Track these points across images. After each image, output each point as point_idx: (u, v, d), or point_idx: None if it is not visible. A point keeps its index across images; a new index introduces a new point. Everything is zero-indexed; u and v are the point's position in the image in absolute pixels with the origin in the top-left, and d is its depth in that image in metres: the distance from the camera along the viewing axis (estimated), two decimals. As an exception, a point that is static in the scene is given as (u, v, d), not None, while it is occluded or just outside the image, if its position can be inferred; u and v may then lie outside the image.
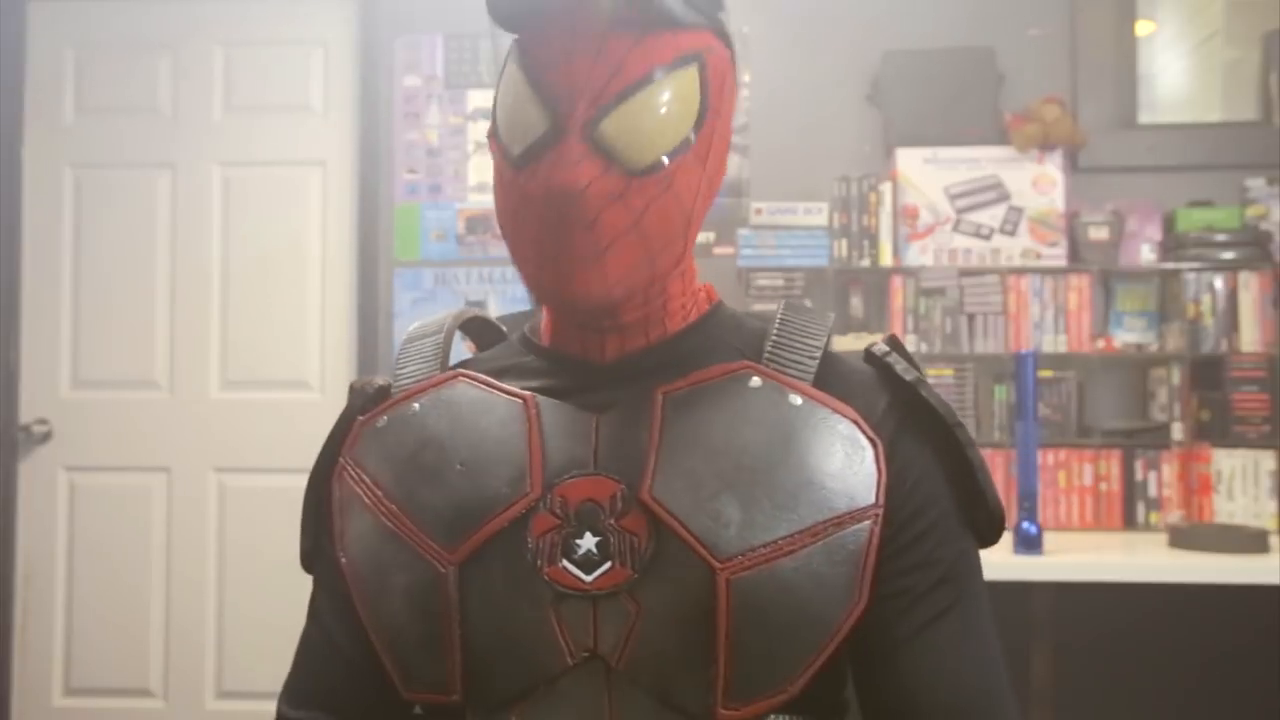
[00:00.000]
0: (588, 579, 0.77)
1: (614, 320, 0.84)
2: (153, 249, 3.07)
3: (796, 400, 0.81)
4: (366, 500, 0.84)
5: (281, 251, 3.05)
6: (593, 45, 0.79)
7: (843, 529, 0.78)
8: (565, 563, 0.78)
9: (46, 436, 3.06)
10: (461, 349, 1.00)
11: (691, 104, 0.81)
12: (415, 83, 3.02)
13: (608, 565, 0.78)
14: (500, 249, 2.96)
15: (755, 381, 0.82)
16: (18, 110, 3.07)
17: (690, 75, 0.81)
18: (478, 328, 0.99)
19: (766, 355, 0.84)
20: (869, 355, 0.88)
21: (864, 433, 0.81)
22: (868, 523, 0.78)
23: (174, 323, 3.05)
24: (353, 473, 0.86)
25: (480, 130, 2.99)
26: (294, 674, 0.92)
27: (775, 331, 0.86)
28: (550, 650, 0.78)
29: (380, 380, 0.91)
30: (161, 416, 3.05)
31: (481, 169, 2.99)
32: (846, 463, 0.79)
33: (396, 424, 0.86)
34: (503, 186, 0.83)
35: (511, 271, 2.93)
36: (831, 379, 0.84)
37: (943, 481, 0.84)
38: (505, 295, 2.95)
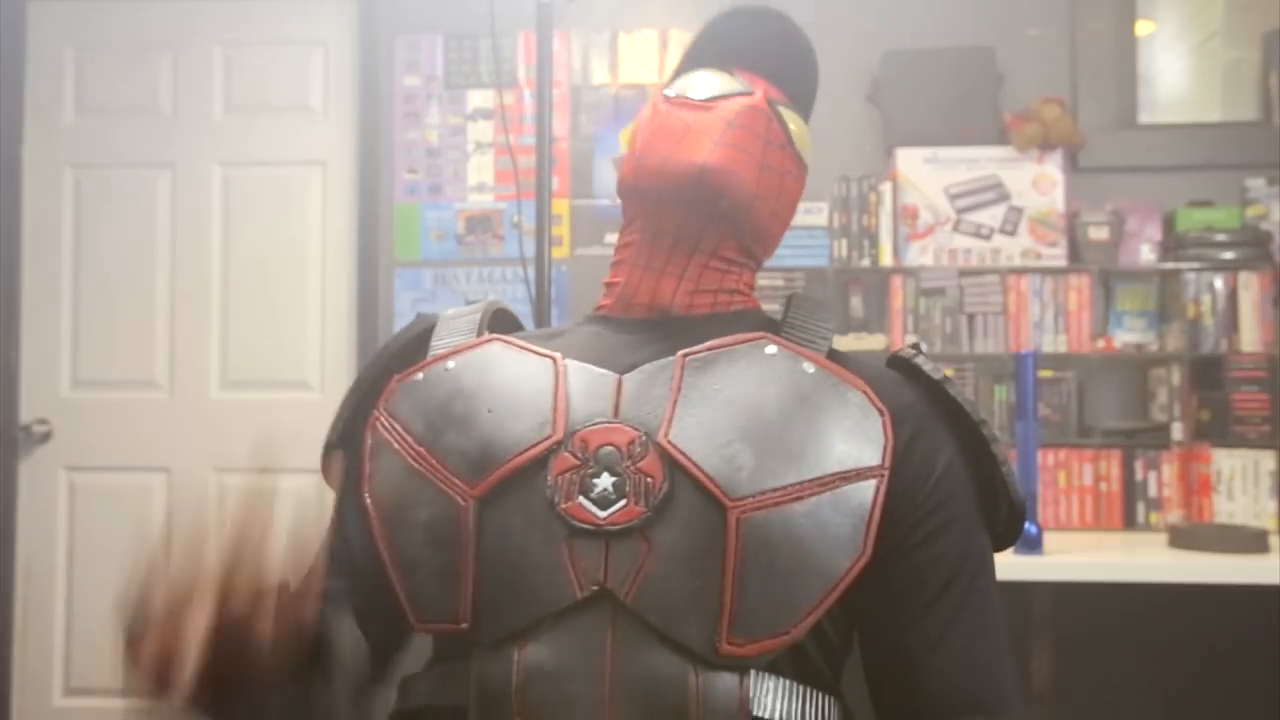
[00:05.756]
0: (602, 515, 0.81)
1: (709, 193, 0.90)
2: (153, 249, 3.07)
3: (810, 368, 0.86)
4: (396, 445, 0.89)
5: (281, 251, 3.05)
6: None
7: (849, 483, 0.81)
8: (582, 499, 0.82)
9: (46, 436, 3.06)
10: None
11: (805, 136, 0.97)
12: (415, 83, 3.02)
13: (622, 503, 0.81)
14: (500, 249, 2.96)
15: (771, 349, 0.87)
16: (18, 110, 3.07)
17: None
18: (503, 322, 1.01)
19: (782, 331, 0.90)
20: (895, 359, 0.92)
21: (873, 403, 0.84)
22: (874, 480, 0.82)
23: (174, 323, 3.05)
24: (385, 422, 0.91)
25: (480, 130, 2.99)
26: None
27: (790, 311, 0.92)
28: (559, 584, 0.80)
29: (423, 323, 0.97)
30: (161, 416, 3.05)
31: (481, 169, 2.99)
32: (856, 427, 0.83)
33: (431, 379, 0.92)
34: (657, 113, 0.96)
35: (512, 272, 2.93)
36: (846, 368, 0.89)
37: (966, 478, 0.87)
38: (505, 296, 2.95)
